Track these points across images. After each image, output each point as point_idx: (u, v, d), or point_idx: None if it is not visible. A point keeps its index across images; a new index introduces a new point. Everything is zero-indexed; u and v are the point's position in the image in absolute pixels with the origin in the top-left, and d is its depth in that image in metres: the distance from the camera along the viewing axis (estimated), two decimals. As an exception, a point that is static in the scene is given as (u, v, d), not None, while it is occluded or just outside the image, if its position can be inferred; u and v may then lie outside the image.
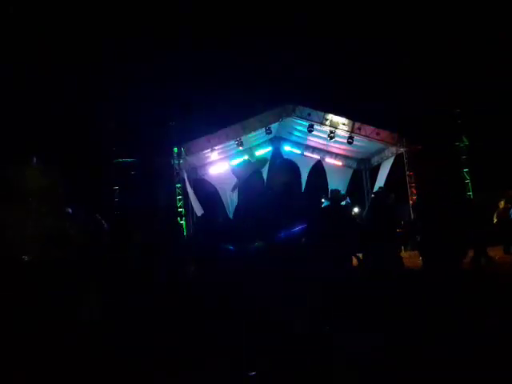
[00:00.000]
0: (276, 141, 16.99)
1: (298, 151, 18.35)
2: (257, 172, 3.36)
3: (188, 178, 15.53)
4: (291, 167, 16.48)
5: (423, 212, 4.34)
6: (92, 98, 14.64)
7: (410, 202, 14.84)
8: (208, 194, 15.83)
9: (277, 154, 15.69)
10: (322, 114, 15.11)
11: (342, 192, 15.62)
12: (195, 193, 15.40)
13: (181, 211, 14.54)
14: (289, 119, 15.55)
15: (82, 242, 5.61)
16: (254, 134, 15.50)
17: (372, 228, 4.69)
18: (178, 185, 15.01)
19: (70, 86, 14.02)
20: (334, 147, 17.58)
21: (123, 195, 14.45)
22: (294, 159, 18.26)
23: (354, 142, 15.54)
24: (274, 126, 15.71)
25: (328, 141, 15.99)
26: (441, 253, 3.81)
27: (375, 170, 17.63)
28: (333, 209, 5.26)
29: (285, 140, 18.19)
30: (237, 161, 16.88)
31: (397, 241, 4.63)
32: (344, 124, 15.14)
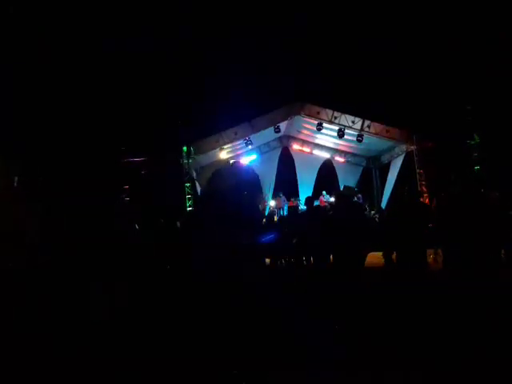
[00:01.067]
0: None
1: (307, 149, 18.31)
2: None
3: (197, 177, 15.58)
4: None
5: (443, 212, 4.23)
6: (100, 96, 14.72)
7: (421, 199, 14.67)
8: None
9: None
10: (331, 112, 15.03)
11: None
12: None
13: (190, 210, 14.58)
14: (297, 118, 15.50)
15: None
16: (262, 132, 15.48)
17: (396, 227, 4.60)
18: (188, 184, 15.06)
19: (79, 84, 14.10)
20: (344, 145, 17.51)
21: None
22: (303, 157, 18.22)
23: (364, 140, 15.43)
24: (282, 125, 15.69)
25: (337, 139, 15.91)
26: (465, 253, 3.71)
27: (385, 168, 17.52)
28: (346, 204, 5.19)
29: (294, 138, 18.17)
30: (246, 159, 16.91)
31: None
32: (353, 122, 15.05)
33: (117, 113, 15.15)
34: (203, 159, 15.93)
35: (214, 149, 15.19)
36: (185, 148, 14.87)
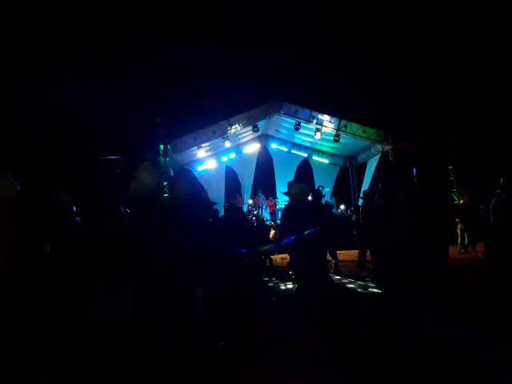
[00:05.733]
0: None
1: (285, 149, 18.37)
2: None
3: (175, 176, 15.37)
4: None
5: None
6: (78, 95, 14.38)
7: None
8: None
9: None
10: (309, 111, 15.12)
11: (327, 189, 15.69)
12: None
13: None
14: (276, 116, 15.51)
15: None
16: (241, 131, 15.41)
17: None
18: (165, 183, 14.83)
19: (56, 84, 13.74)
20: (321, 145, 17.66)
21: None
22: (281, 157, 18.28)
23: (341, 140, 15.60)
24: (261, 124, 15.67)
25: (315, 139, 16.03)
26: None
27: (362, 168, 17.78)
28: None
29: (272, 137, 18.19)
30: (225, 158, 16.81)
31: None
32: (331, 122, 15.19)
33: (93, 110, 14.84)
34: (181, 157, 15.75)
35: (192, 147, 15.04)
36: (162, 146, 14.66)
